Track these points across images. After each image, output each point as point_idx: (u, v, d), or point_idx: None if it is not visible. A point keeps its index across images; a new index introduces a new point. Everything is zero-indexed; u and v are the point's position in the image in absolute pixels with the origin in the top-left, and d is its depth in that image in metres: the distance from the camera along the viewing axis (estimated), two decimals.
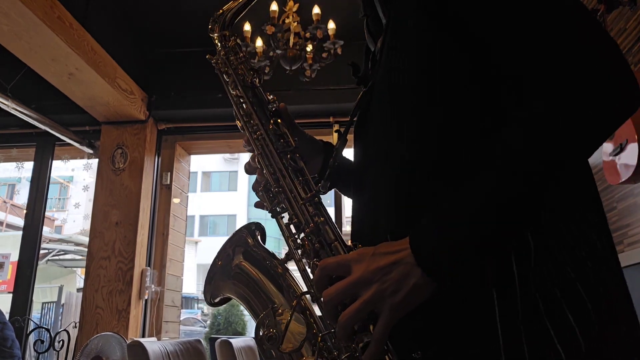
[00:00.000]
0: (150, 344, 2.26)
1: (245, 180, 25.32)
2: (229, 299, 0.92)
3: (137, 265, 3.64)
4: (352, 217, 0.84)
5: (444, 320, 0.66)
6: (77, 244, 8.95)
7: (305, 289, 0.76)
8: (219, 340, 2.98)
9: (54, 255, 8.93)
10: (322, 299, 0.65)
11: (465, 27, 0.67)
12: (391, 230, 0.69)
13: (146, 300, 3.73)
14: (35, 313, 6.64)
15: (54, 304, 7.42)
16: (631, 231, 2.51)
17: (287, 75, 3.25)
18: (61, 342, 3.74)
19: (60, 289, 7.65)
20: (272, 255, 0.89)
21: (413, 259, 0.61)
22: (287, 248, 0.81)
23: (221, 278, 0.89)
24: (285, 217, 0.82)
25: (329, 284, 0.64)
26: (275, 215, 0.82)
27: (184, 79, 3.98)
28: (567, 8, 0.61)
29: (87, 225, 3.83)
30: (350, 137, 0.88)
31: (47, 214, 4.21)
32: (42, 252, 5.15)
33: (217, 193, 24.88)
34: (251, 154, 0.89)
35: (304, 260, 0.77)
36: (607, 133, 0.60)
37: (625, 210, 2.56)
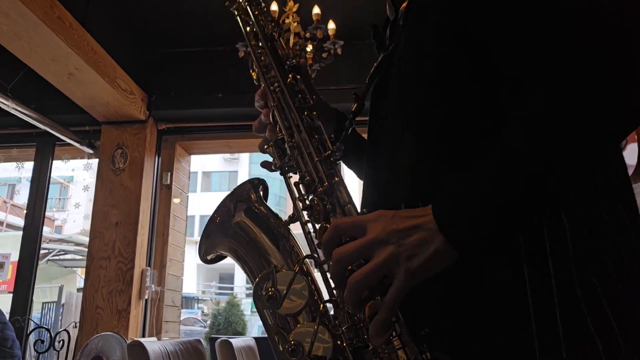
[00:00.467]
0: (151, 343, 2.26)
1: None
2: (223, 257, 0.87)
3: (137, 265, 3.64)
4: (364, 186, 0.81)
5: (463, 295, 0.63)
6: (77, 244, 8.95)
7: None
8: (219, 340, 2.99)
9: (54, 255, 8.93)
10: (332, 259, 0.61)
11: (465, 27, 0.67)
12: (406, 198, 0.67)
13: (146, 300, 3.73)
14: (36, 313, 6.63)
15: (54, 304, 7.42)
16: None
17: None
18: (61, 342, 3.74)
19: (61, 289, 7.65)
20: (275, 214, 0.84)
21: (435, 225, 0.58)
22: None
23: (219, 234, 0.84)
24: (294, 177, 0.78)
25: (340, 246, 0.61)
26: (285, 173, 0.78)
27: (184, 79, 3.98)
28: (568, 7, 0.60)
29: (87, 225, 3.83)
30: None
31: (47, 214, 4.21)
32: (42, 252, 5.15)
33: (217, 193, 24.85)
34: (262, 111, 0.85)
35: (309, 226, 0.73)
36: (610, 132, 0.58)
37: None
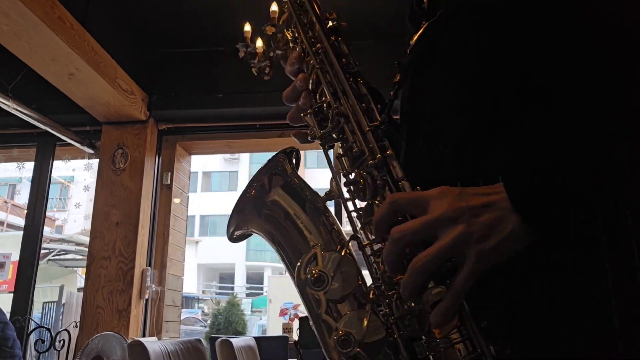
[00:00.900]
0: (151, 343, 2.27)
1: (245, 180, 25.32)
2: (249, 235, 0.79)
3: (138, 265, 3.65)
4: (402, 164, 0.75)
5: (530, 286, 0.58)
6: (77, 244, 8.96)
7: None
8: (219, 339, 2.99)
9: (54, 255, 8.94)
10: (389, 238, 0.54)
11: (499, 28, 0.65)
12: (462, 175, 0.61)
13: (147, 300, 3.73)
14: (36, 313, 6.64)
15: (55, 303, 7.43)
16: None
17: (287, 75, 3.26)
18: (62, 341, 3.75)
19: (61, 288, 7.66)
20: (311, 189, 0.75)
21: (509, 203, 0.53)
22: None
23: (252, 211, 0.75)
24: (334, 149, 0.70)
25: (396, 225, 0.54)
26: (326, 143, 0.69)
27: (184, 79, 3.98)
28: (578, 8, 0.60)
29: (88, 225, 3.84)
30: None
31: (47, 214, 4.21)
32: (42, 252, 5.16)
33: (217, 193, 24.87)
34: (294, 78, 0.76)
35: (349, 204, 0.65)
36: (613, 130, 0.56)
37: None
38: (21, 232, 4.10)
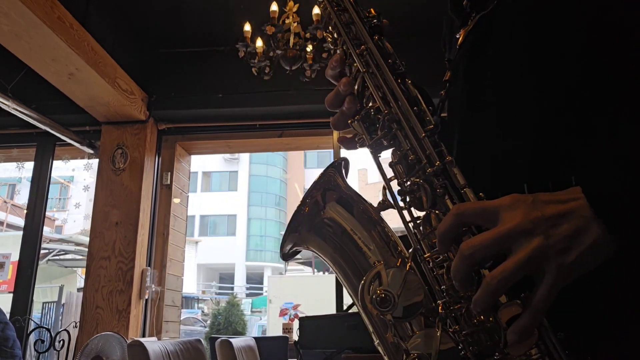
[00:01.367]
0: (151, 343, 2.26)
1: (245, 180, 25.34)
2: (300, 251, 0.77)
3: (138, 265, 3.65)
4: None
5: (613, 293, 0.54)
6: (77, 244, 8.96)
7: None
8: (219, 339, 2.99)
9: (54, 255, 8.94)
10: (459, 252, 0.51)
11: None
12: (530, 179, 0.57)
13: (146, 300, 3.73)
14: (36, 313, 6.64)
15: (55, 303, 7.43)
16: None
17: (287, 75, 3.26)
18: (61, 341, 3.74)
19: (61, 288, 7.66)
20: (364, 199, 0.72)
21: (590, 211, 0.48)
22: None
23: (308, 229, 0.72)
24: (382, 155, 0.66)
25: (462, 237, 0.51)
26: (377, 151, 0.65)
27: (184, 79, 3.98)
28: None
29: (88, 225, 3.84)
30: None
31: (47, 214, 4.21)
32: (42, 252, 5.16)
33: (217, 193, 24.89)
34: (336, 82, 0.71)
35: (405, 214, 0.61)
36: None
37: None
38: (21, 232, 4.10)
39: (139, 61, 3.89)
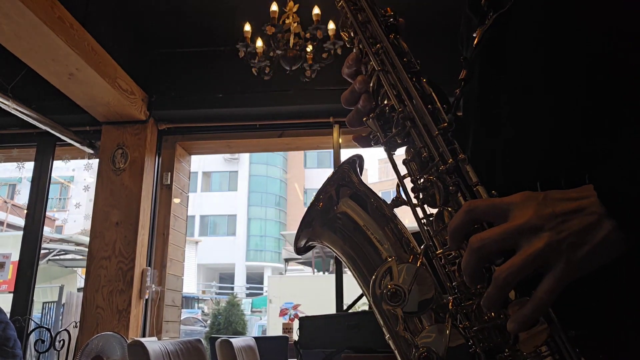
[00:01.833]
0: (151, 343, 2.27)
1: (245, 180, 25.35)
2: (314, 246, 0.77)
3: (138, 265, 3.65)
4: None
5: (627, 291, 0.54)
6: (77, 244, 8.96)
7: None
8: (219, 339, 2.99)
9: (54, 255, 8.95)
10: (468, 247, 0.51)
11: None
12: (544, 180, 0.57)
13: (146, 300, 3.73)
14: (36, 313, 6.65)
15: (55, 303, 7.44)
16: None
17: (287, 75, 3.26)
18: (62, 341, 3.75)
19: (61, 288, 7.67)
20: (378, 196, 0.73)
21: (602, 208, 0.49)
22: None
23: (322, 224, 0.73)
24: (396, 153, 0.67)
25: (473, 233, 0.51)
26: (391, 149, 0.66)
27: (184, 79, 3.98)
28: None
29: (88, 225, 3.84)
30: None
31: (47, 214, 4.21)
32: (42, 252, 5.16)
33: (217, 193, 24.90)
34: (352, 80, 0.72)
35: (418, 211, 0.61)
36: None
37: None
38: (21, 232, 4.10)
39: (139, 61, 3.89)
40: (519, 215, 0.50)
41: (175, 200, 4.09)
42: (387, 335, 0.65)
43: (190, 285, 19.84)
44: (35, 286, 3.90)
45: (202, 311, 17.36)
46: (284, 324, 4.75)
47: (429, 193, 0.60)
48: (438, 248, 0.60)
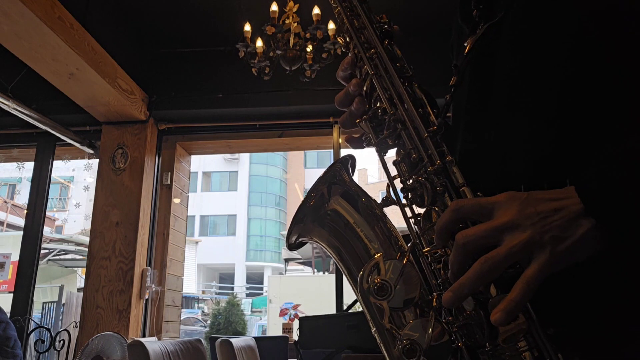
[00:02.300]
0: (151, 343, 2.27)
1: (245, 180, 25.35)
2: (306, 242, 0.80)
3: (138, 265, 3.65)
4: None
5: (602, 292, 0.56)
6: (77, 244, 8.96)
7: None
8: (219, 339, 2.99)
9: (54, 255, 8.95)
10: (455, 244, 0.53)
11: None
12: (528, 179, 0.59)
13: (147, 300, 3.73)
14: (36, 313, 6.65)
15: (55, 303, 7.43)
16: None
17: (287, 75, 3.26)
18: (62, 341, 3.75)
19: (61, 288, 7.67)
20: (369, 196, 0.76)
21: (581, 207, 0.51)
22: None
23: (313, 220, 0.76)
24: (387, 155, 0.69)
25: (459, 231, 0.53)
26: (382, 150, 0.68)
27: (184, 79, 3.99)
28: None
29: (88, 225, 3.84)
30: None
31: (47, 214, 4.21)
32: (42, 252, 5.16)
33: (217, 193, 24.90)
34: (345, 83, 0.75)
35: (406, 210, 0.63)
36: None
37: None
38: (21, 232, 4.11)
39: (139, 61, 3.89)
40: (503, 214, 0.52)
41: (175, 200, 4.09)
42: (374, 329, 0.67)
43: (190, 285, 19.84)
44: (35, 286, 3.90)
45: (202, 311, 17.36)
46: (284, 324, 4.75)
47: (418, 193, 0.63)
48: (425, 246, 0.62)
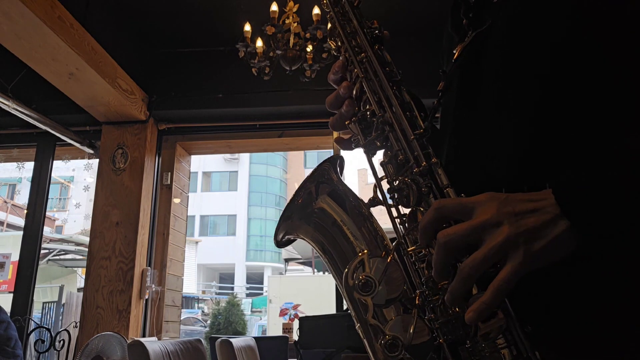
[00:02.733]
0: (151, 343, 2.27)
1: (245, 180, 25.35)
2: (294, 240, 0.82)
3: (138, 265, 3.65)
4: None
5: (579, 290, 0.58)
6: (77, 244, 8.96)
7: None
8: (219, 339, 2.99)
9: (54, 255, 8.94)
10: (437, 242, 0.55)
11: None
12: (510, 182, 0.60)
13: (147, 300, 3.73)
14: (36, 313, 6.65)
15: (55, 303, 7.43)
16: None
17: (287, 75, 3.26)
18: (62, 341, 3.75)
19: (61, 288, 7.67)
20: (356, 195, 0.78)
21: (557, 209, 0.53)
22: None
23: (300, 218, 0.78)
24: (377, 156, 0.71)
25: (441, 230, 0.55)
26: (370, 151, 0.71)
27: (184, 79, 3.98)
28: None
29: (88, 225, 3.84)
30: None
31: (47, 214, 4.21)
32: (42, 252, 5.16)
33: (217, 193, 24.90)
34: (336, 86, 0.77)
35: (393, 210, 0.65)
36: None
37: None
38: (21, 232, 4.11)
39: (139, 61, 3.89)
40: (483, 213, 0.55)
41: (175, 200, 4.09)
42: (357, 325, 0.69)
43: (190, 285, 19.84)
44: (35, 286, 3.90)
45: (202, 311, 17.36)
46: (284, 324, 4.75)
47: (404, 194, 0.64)
48: (409, 246, 0.64)
